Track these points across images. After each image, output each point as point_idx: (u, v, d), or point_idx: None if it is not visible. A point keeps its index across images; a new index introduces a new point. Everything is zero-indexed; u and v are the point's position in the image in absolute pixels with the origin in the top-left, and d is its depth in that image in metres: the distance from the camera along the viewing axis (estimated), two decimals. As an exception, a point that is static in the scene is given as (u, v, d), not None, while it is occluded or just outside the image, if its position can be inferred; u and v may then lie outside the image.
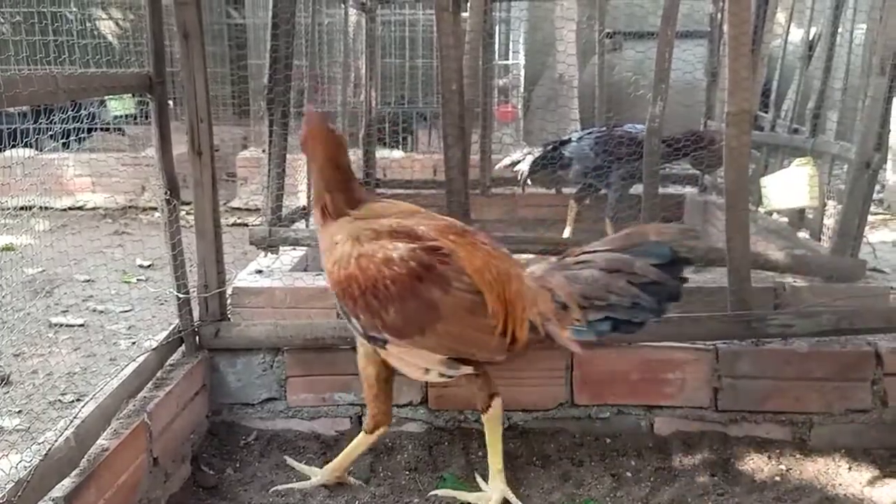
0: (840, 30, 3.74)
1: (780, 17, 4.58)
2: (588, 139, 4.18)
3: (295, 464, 2.37)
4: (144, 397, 2.16)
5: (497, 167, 4.64)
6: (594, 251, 1.95)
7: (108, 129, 6.66)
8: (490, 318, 1.94)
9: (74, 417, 1.85)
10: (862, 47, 3.67)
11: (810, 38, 4.15)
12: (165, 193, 2.33)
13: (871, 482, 2.37)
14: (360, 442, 2.26)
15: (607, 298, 1.85)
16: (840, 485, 2.36)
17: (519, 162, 4.47)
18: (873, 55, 2.97)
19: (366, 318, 1.98)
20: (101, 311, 3.83)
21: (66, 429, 1.81)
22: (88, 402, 1.95)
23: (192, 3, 2.34)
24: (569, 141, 4.29)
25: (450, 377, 2.08)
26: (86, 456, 1.85)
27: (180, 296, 2.42)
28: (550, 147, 4.40)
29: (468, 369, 2.07)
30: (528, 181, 4.47)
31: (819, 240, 3.44)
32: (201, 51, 2.38)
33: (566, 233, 4.45)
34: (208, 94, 2.42)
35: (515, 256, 2.18)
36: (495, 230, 4.77)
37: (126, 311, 3.82)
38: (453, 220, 2.15)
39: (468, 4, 3.22)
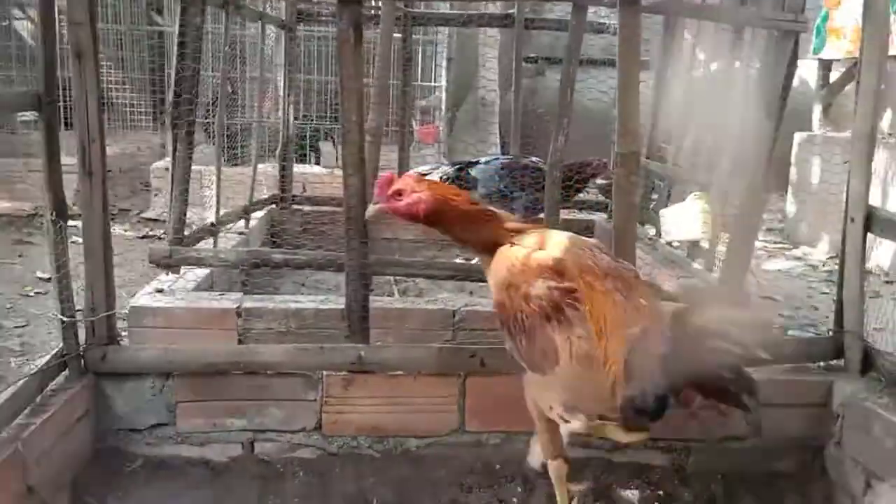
0: (737, 65, 3.93)
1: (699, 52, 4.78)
2: (495, 164, 4.27)
3: None
4: (19, 424, 2.10)
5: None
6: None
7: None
8: (599, 373, 1.83)
9: (-62, 447, 1.79)
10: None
11: (710, 73, 4.35)
12: (51, 214, 2.27)
13: (747, 508, 2.50)
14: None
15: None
16: (717, 510, 2.48)
17: (426, 175, 4.51)
18: (761, 96, 3.14)
19: (510, 341, 2.02)
20: (-6, 327, 3.69)
21: (-72, 459, 1.75)
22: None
23: (86, 23, 2.30)
24: (477, 163, 4.36)
25: (567, 421, 1.96)
26: (-51, 487, 1.79)
27: (64, 318, 2.36)
28: (458, 167, 4.46)
29: (580, 419, 1.94)
30: None
31: (712, 270, 3.60)
32: (94, 70, 2.34)
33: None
34: (101, 115, 2.38)
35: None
36: (411, 251, 4.85)
37: (21, 327, 3.69)
38: (622, 261, 2.07)
39: (378, 29, 3.26)
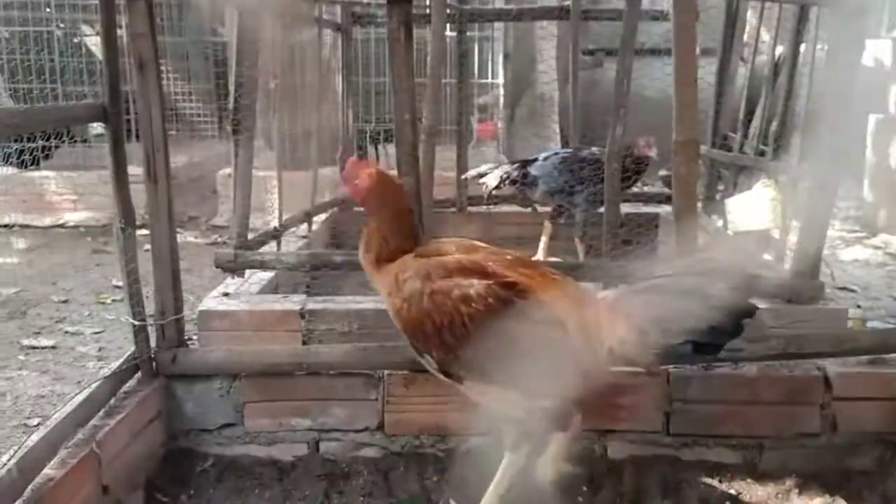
0: (803, 49, 3.78)
1: (764, 34, 4.64)
2: (554, 159, 4.20)
3: None
4: (95, 425, 2.19)
5: (466, 175, 4.66)
6: (665, 276, 1.93)
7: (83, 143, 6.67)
8: (572, 347, 1.90)
9: (19, 447, 1.88)
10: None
11: (776, 57, 4.20)
12: (120, 222, 2.36)
13: (822, 505, 2.40)
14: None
15: (685, 322, 1.81)
16: (791, 508, 2.40)
17: (486, 174, 4.49)
18: (829, 78, 3.01)
19: (440, 354, 1.96)
20: (73, 333, 3.84)
21: (10, 459, 1.83)
22: (36, 430, 1.97)
23: (147, 34, 2.38)
24: (536, 160, 4.31)
25: (531, 412, 2.01)
26: (30, 486, 1.87)
27: (136, 323, 2.44)
28: (518, 164, 4.42)
29: (547, 403, 2.00)
30: (493, 196, 4.48)
31: (783, 261, 3.48)
32: (157, 81, 2.41)
33: (539, 252, 4.48)
34: (164, 124, 2.45)
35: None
36: (471, 248, 4.84)
37: (98, 333, 3.84)
38: (519, 254, 2.12)
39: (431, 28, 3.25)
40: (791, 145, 3.69)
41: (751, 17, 4.68)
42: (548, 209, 4.54)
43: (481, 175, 4.43)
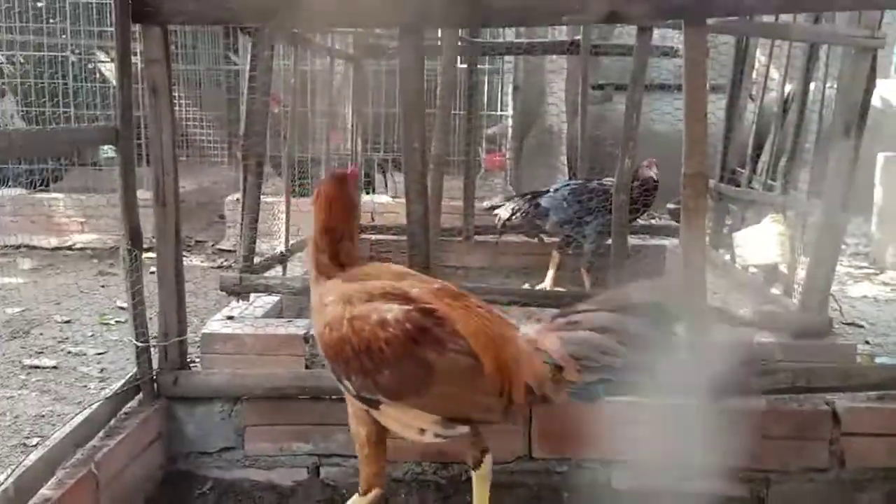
0: (813, 85, 3.80)
1: (774, 72, 4.66)
2: (564, 190, 4.24)
3: None
4: (94, 446, 2.17)
5: (483, 206, 4.72)
6: (585, 311, 1.92)
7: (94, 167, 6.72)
8: (486, 381, 1.91)
9: (17, 466, 1.86)
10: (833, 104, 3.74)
11: (785, 94, 4.22)
12: (128, 244, 2.36)
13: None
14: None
15: (600, 360, 1.83)
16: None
17: (498, 207, 4.54)
18: (839, 117, 3.03)
19: (359, 379, 1.96)
20: (76, 354, 3.83)
21: (7, 478, 1.81)
22: (34, 450, 1.96)
23: (161, 61, 2.41)
24: (547, 192, 4.35)
25: (445, 437, 2.04)
26: (26, 506, 1.85)
27: (139, 344, 2.43)
28: (529, 196, 4.46)
29: (464, 429, 2.03)
30: (505, 227, 4.52)
31: (791, 296, 3.46)
32: (169, 106, 2.44)
33: (547, 282, 4.48)
34: (174, 148, 2.47)
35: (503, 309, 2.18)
36: (477, 278, 4.84)
37: (101, 354, 3.83)
38: (446, 283, 2.13)
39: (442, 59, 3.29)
40: (800, 181, 3.68)
41: (759, 54, 4.72)
42: (555, 240, 4.56)
43: (494, 207, 4.50)
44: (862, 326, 4.30)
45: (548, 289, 4.21)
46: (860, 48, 2.89)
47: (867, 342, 3.97)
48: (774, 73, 4.75)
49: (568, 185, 4.33)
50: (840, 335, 3.01)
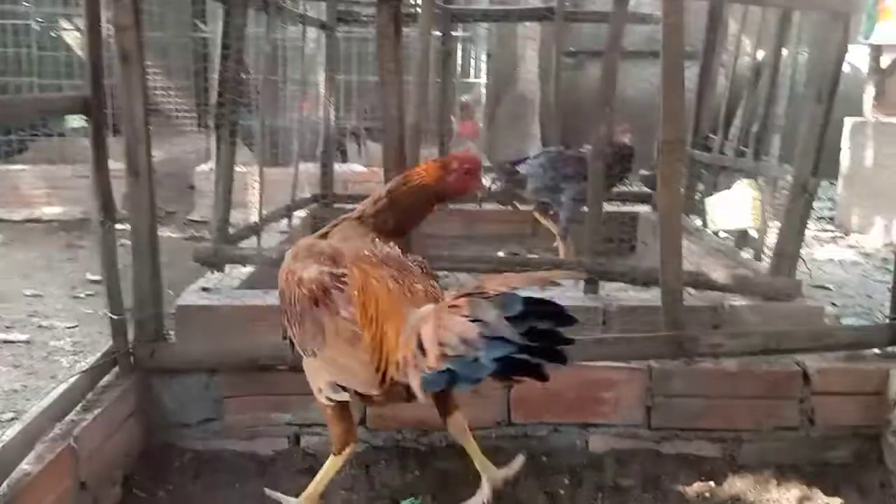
0: (785, 52, 3.83)
1: (745, 40, 4.69)
2: (542, 157, 4.26)
3: (272, 493, 2.22)
4: (72, 420, 2.15)
5: None
6: (475, 293, 1.68)
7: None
8: (363, 352, 1.85)
9: (-5, 441, 1.84)
10: (805, 70, 3.77)
11: (757, 61, 4.24)
12: (100, 214, 2.32)
13: (800, 499, 2.43)
14: (331, 465, 2.14)
15: (457, 349, 1.60)
16: (769, 500, 2.42)
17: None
18: (811, 82, 3.06)
19: (289, 330, 2.05)
20: (47, 327, 3.79)
21: (-15, 453, 1.80)
22: (11, 426, 1.94)
23: (131, 27, 2.35)
24: (526, 159, 4.37)
25: (333, 401, 2.01)
26: (6, 481, 1.83)
27: (114, 317, 2.41)
28: (508, 165, 4.47)
29: (345, 396, 1.99)
30: (486, 196, 4.53)
31: (761, 260, 3.52)
32: (140, 74, 2.39)
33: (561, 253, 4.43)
34: (146, 117, 2.42)
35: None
36: (451, 246, 4.84)
37: (72, 327, 3.78)
38: (397, 250, 2.05)
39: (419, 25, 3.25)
40: (771, 146, 3.72)
41: (731, 21, 4.73)
42: (528, 208, 4.59)
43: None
44: (829, 289, 4.40)
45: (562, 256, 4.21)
46: (833, 14, 2.91)
47: (833, 304, 4.07)
48: (746, 42, 4.78)
49: (548, 152, 4.34)
50: (809, 297, 3.07)
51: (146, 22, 7.59)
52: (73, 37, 6.95)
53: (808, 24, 3.69)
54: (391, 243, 2.06)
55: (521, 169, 4.36)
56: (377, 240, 2.07)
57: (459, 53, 6.89)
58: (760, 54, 4.22)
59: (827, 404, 2.56)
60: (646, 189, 5.30)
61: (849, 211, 6.16)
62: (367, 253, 2.01)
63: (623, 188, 4.78)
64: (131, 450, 2.46)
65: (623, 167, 4.12)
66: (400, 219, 2.09)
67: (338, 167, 5.40)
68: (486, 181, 4.48)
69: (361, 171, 6.42)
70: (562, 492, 2.44)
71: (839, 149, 6.25)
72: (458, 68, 6.89)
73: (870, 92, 6.48)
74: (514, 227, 5.07)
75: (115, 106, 2.43)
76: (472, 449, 2.16)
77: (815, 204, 3.85)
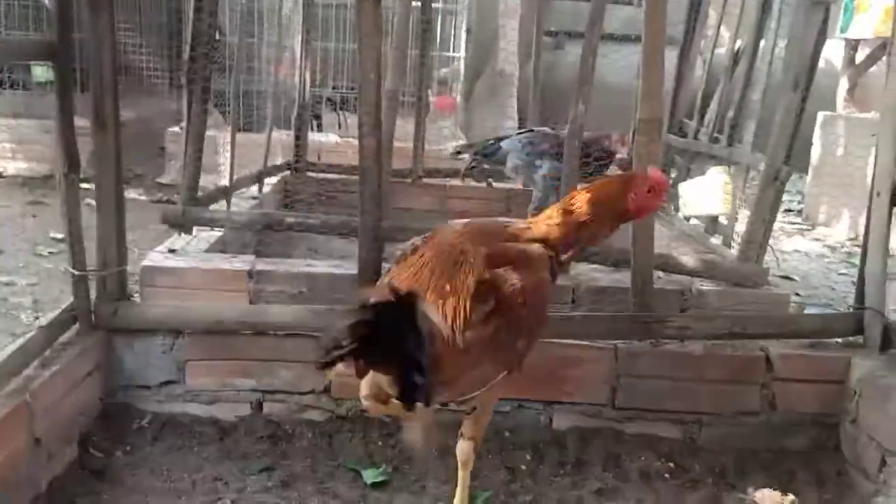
0: (763, 43, 3.85)
1: (724, 30, 4.70)
2: (523, 135, 4.25)
3: None
4: (28, 376, 2.09)
5: (445, 150, 4.70)
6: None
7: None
8: None
9: (-54, 394, 1.79)
10: (782, 61, 3.79)
11: (735, 49, 4.25)
12: (64, 167, 2.25)
13: (757, 484, 2.46)
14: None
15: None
16: (726, 484, 2.45)
17: (464, 152, 4.55)
18: (788, 70, 3.07)
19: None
20: (6, 283, 3.70)
21: (-64, 405, 1.74)
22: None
23: (100, -28, 2.27)
24: (509, 136, 4.36)
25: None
26: (-43, 434, 1.78)
27: (75, 272, 2.35)
28: (493, 141, 4.48)
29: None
30: (470, 172, 4.55)
31: (730, 246, 3.54)
32: (109, 21, 2.31)
33: None
34: (115, 67, 2.35)
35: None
36: (425, 220, 4.81)
37: (33, 285, 3.70)
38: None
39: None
40: (745, 134, 3.74)
41: (711, 10, 4.73)
42: (502, 185, 4.59)
43: (460, 151, 4.50)
44: (794, 279, 4.46)
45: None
46: (813, 2, 2.92)
47: (797, 294, 4.13)
48: (724, 31, 4.79)
49: (533, 130, 4.34)
50: (775, 285, 3.11)
51: (119, -24, 7.44)
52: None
53: (788, 12, 3.70)
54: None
55: (503, 144, 4.35)
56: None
57: (439, 26, 6.82)
58: (738, 43, 4.24)
59: (788, 391, 2.59)
60: (620, 172, 5.31)
61: (816, 204, 6.24)
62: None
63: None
64: (89, 409, 2.41)
65: (599, 166, 4.11)
66: (583, 239, 1.98)
67: (311, 136, 5.33)
68: (471, 157, 4.49)
69: (335, 142, 6.34)
70: (523, 467, 2.45)
71: (810, 142, 6.32)
72: (438, 41, 6.82)
73: (843, 86, 6.56)
74: (488, 205, 5.06)
75: (83, 61, 2.33)
76: (463, 483, 2.06)
77: (784, 197, 3.90)
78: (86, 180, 2.37)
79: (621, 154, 4.01)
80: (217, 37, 3.59)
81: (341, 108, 6.93)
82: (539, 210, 4.20)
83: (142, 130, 6.85)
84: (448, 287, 1.74)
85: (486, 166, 4.49)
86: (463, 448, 2.00)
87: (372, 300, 1.59)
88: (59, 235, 4.36)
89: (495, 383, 1.87)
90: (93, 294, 2.47)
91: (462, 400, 1.88)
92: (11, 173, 6.08)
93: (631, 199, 1.94)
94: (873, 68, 6.34)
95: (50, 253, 4.17)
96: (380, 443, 2.51)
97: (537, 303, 1.86)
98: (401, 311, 1.51)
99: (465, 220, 2.00)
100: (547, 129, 4.18)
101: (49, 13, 2.25)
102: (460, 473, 2.04)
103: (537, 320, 1.89)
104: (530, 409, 2.63)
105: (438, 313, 1.67)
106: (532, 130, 4.36)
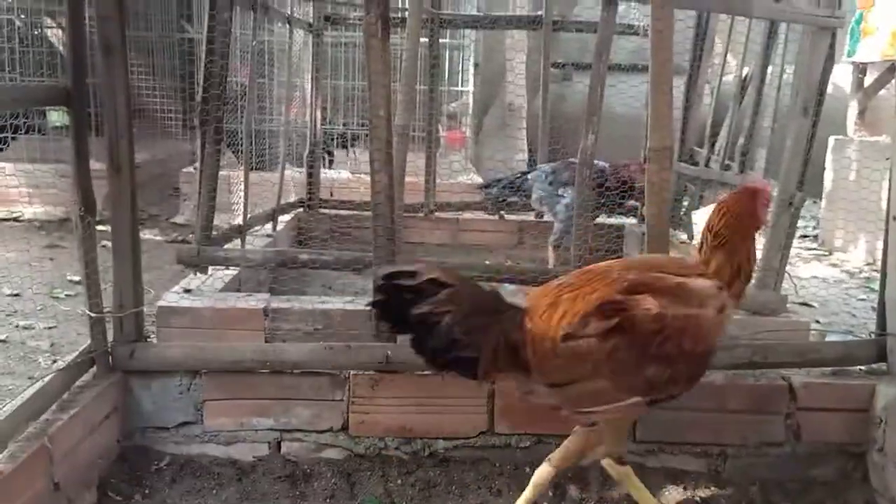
0: (770, 69, 3.86)
1: (731, 58, 4.72)
2: (546, 167, 4.29)
3: None
4: (47, 420, 2.09)
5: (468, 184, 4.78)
6: None
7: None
8: None
9: (-34, 440, 1.79)
10: (790, 87, 3.80)
11: (743, 76, 4.27)
12: (80, 210, 2.28)
13: (784, 515, 2.42)
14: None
15: None
16: (754, 515, 2.40)
17: (490, 186, 4.61)
18: (797, 96, 3.07)
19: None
20: (25, 327, 3.71)
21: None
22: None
23: (114, 18, 2.31)
24: (535, 169, 4.42)
25: None
26: (-23, 481, 1.78)
27: (93, 315, 2.35)
28: (520, 174, 4.55)
29: None
30: (498, 204, 4.69)
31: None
32: (123, 65, 2.35)
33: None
34: (129, 110, 2.38)
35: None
36: (438, 254, 4.82)
37: (51, 328, 3.71)
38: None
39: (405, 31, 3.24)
40: (756, 160, 3.74)
41: (717, 40, 4.77)
42: (514, 218, 4.61)
43: (488, 185, 4.61)
44: (813, 306, 4.41)
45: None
46: (820, 27, 2.93)
47: (817, 321, 4.07)
48: (731, 59, 4.81)
49: (562, 162, 4.38)
50: (794, 313, 3.08)
51: (131, 22, 7.60)
52: (55, 34, 6.87)
53: (794, 38, 3.71)
54: None
55: (530, 176, 4.40)
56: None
57: (447, 62, 6.89)
58: (746, 70, 4.25)
59: (813, 420, 2.54)
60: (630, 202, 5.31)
61: (832, 229, 6.20)
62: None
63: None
64: (108, 451, 2.40)
65: (621, 195, 4.12)
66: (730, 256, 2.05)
67: (324, 173, 5.37)
68: (496, 188, 4.57)
69: (346, 178, 6.38)
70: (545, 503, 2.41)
71: (823, 167, 6.30)
72: (446, 76, 6.89)
73: (853, 110, 6.55)
74: (501, 237, 5.06)
75: (98, 105, 2.37)
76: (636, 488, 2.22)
77: (800, 222, 3.89)
78: (102, 222, 2.39)
79: (641, 183, 4.02)
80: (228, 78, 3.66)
81: (352, 145, 6.99)
82: (559, 241, 4.22)
83: (156, 171, 6.95)
84: (574, 300, 1.93)
85: (514, 199, 4.55)
86: (542, 472, 2.20)
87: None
88: (76, 278, 4.39)
89: (622, 406, 1.97)
90: (110, 336, 2.48)
91: (581, 412, 2.04)
92: (28, 217, 6.14)
93: (761, 210, 2.07)
94: (882, 91, 6.33)
95: (67, 296, 4.19)
96: (399, 481, 2.48)
97: (684, 336, 1.91)
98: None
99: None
100: (573, 160, 4.21)
101: (63, 58, 2.29)
102: (629, 483, 2.20)
103: (682, 353, 1.92)
104: (550, 443, 2.58)
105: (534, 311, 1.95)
106: (560, 162, 4.41)
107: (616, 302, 1.91)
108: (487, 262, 4.37)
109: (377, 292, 1.93)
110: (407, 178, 3.62)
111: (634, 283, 1.94)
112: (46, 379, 2.17)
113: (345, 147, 6.78)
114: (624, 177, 4.00)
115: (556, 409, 2.07)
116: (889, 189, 2.60)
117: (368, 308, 1.88)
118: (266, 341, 2.87)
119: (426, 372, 2.55)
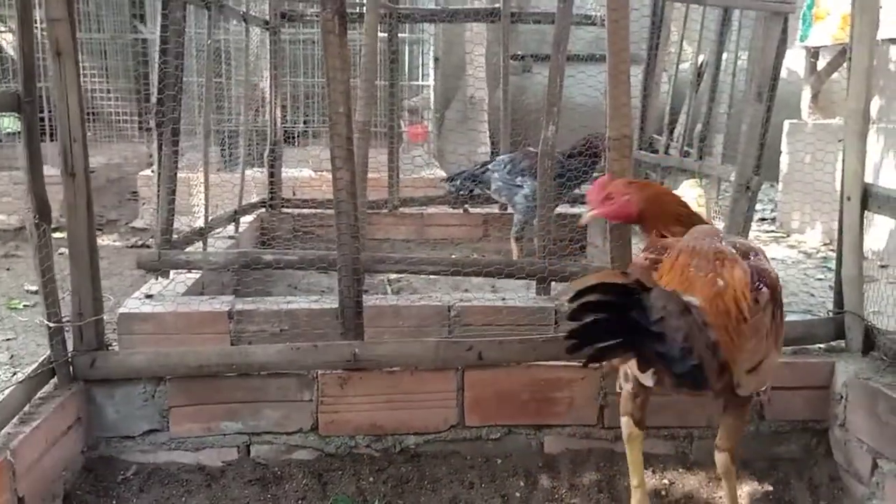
0: (725, 56, 3.92)
1: (686, 46, 4.78)
2: (504, 157, 4.30)
3: None
4: (8, 433, 2.05)
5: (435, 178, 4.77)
6: None
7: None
8: None
9: (-78, 458, 1.74)
10: (745, 73, 3.86)
11: (699, 63, 4.33)
12: (35, 217, 2.22)
13: (751, 494, 2.46)
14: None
15: None
16: (720, 497, 2.43)
17: (453, 179, 4.61)
18: (752, 82, 3.12)
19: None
20: (-18, 340, 3.63)
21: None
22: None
23: (64, 20, 2.26)
24: (494, 160, 4.43)
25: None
26: (-65, 499, 1.73)
27: (51, 325, 2.30)
28: (481, 165, 4.55)
29: None
30: (461, 197, 4.69)
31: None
32: (74, 69, 2.29)
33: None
34: (83, 114, 2.33)
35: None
36: (403, 250, 4.81)
37: (9, 340, 3.62)
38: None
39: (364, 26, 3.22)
40: (714, 146, 3.80)
41: (673, 28, 4.82)
42: (478, 211, 4.61)
43: (452, 178, 4.62)
44: (772, 287, 4.49)
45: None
46: (773, 13, 2.98)
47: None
48: (687, 47, 4.88)
49: (514, 153, 4.39)
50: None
51: (82, 22, 7.43)
52: (4, 38, 6.70)
53: (748, 25, 3.78)
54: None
55: (490, 166, 4.40)
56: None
57: (407, 56, 6.87)
58: (701, 58, 4.31)
59: (775, 399, 2.58)
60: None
61: (789, 211, 6.31)
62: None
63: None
64: (72, 463, 2.36)
65: (592, 164, 4.13)
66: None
67: (285, 171, 5.32)
68: (458, 180, 4.57)
69: (308, 177, 6.33)
70: (517, 494, 2.42)
71: (779, 151, 6.41)
72: (406, 71, 6.86)
73: (807, 94, 6.67)
74: (466, 231, 5.07)
75: (50, 110, 2.31)
76: (731, 495, 2.18)
77: (758, 206, 3.96)
78: (58, 230, 2.34)
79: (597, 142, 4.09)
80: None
81: (314, 142, 6.95)
82: (520, 234, 4.24)
83: (113, 175, 6.81)
84: (721, 281, 1.85)
85: (477, 191, 4.56)
86: (720, 460, 2.12)
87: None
88: (34, 288, 4.30)
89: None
90: (70, 345, 2.43)
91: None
92: (-18, 227, 5.99)
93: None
94: (835, 75, 6.45)
95: (25, 306, 4.10)
96: (371, 479, 2.47)
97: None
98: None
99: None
100: (531, 149, 4.23)
101: (13, 63, 2.23)
102: (725, 485, 2.16)
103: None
104: (520, 433, 2.61)
105: (706, 303, 1.80)
106: (512, 153, 4.41)
107: (763, 271, 1.95)
108: (453, 256, 4.38)
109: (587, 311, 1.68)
110: (370, 175, 3.61)
111: (742, 251, 1.99)
112: (6, 392, 2.12)
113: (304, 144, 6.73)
114: (594, 145, 4.03)
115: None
116: (843, 170, 2.65)
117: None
118: (232, 344, 2.84)
119: (394, 368, 2.55)
